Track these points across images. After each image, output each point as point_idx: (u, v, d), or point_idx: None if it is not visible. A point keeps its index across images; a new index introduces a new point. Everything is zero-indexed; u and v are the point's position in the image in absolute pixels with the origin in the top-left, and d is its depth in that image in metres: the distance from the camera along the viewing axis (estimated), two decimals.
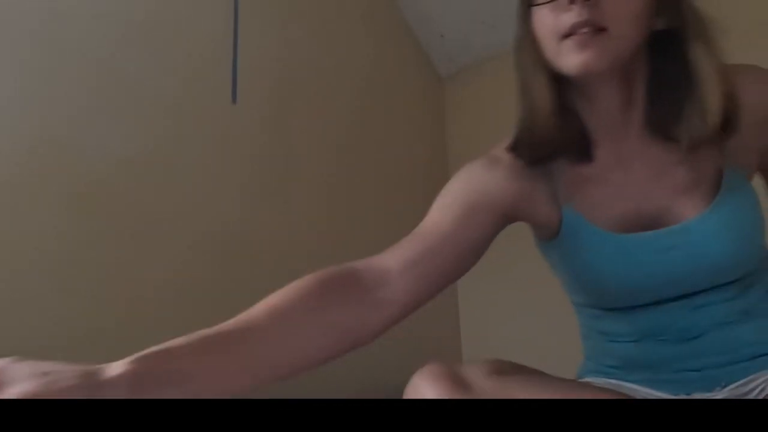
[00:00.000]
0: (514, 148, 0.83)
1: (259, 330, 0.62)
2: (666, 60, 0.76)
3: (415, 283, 0.75)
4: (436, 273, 0.77)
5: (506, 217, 0.85)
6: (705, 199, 0.78)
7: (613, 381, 0.85)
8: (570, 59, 0.73)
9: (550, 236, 0.86)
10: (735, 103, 0.74)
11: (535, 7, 0.77)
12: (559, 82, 0.79)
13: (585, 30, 0.71)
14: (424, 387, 0.65)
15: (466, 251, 0.80)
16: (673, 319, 0.80)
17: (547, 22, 0.75)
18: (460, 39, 2.30)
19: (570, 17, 0.72)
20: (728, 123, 0.74)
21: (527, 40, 0.80)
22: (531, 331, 2.09)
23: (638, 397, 0.82)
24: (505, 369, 0.69)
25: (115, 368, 0.52)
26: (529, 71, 0.80)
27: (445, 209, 0.82)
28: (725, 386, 0.79)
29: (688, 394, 0.80)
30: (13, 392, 0.47)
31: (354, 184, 2.05)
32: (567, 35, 0.73)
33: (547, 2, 0.75)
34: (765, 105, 0.79)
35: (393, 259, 0.75)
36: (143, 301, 1.48)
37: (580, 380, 0.88)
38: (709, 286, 0.78)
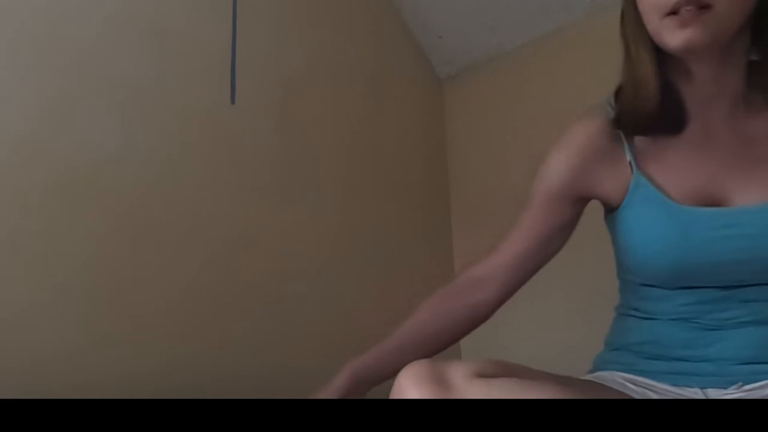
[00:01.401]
0: (618, 120, 0.86)
1: (418, 340, 0.98)
2: (764, 36, 0.78)
3: (513, 281, 0.99)
4: (531, 269, 0.99)
5: (583, 199, 0.94)
6: None
7: (627, 375, 0.85)
8: (672, 37, 0.75)
9: (616, 203, 0.88)
10: None
11: None
12: (659, 55, 0.81)
13: (689, 8, 0.72)
14: (406, 388, 0.65)
15: (556, 240, 0.97)
16: (714, 307, 0.81)
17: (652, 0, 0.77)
18: (459, 41, 2.30)
19: None
20: None
21: (632, 15, 0.82)
22: (531, 326, 2.09)
23: (650, 391, 0.82)
24: (493, 370, 0.68)
25: (339, 377, 0.93)
26: (634, 46, 0.82)
27: (536, 201, 0.96)
28: (742, 386, 0.79)
29: (702, 388, 0.81)
30: None
31: (353, 186, 2.05)
32: (670, 13, 0.74)
33: None
34: None
35: (498, 265, 0.98)
36: (145, 304, 1.48)
37: (584, 378, 0.88)
38: (759, 281, 0.79)
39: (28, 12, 1.40)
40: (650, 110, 0.81)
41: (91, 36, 1.50)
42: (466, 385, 0.65)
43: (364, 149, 2.10)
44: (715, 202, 0.80)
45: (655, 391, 0.83)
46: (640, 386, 0.83)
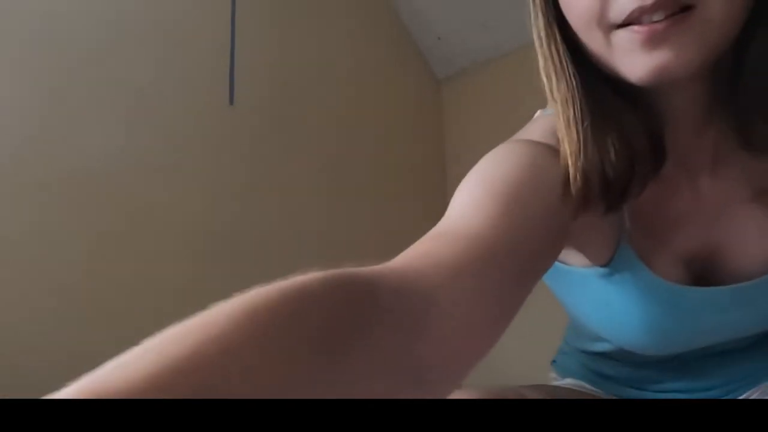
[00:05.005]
0: (584, 203, 0.51)
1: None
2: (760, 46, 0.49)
3: (478, 308, 0.42)
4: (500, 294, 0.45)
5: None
6: None
7: (595, 390, 0.80)
8: (635, 62, 0.45)
9: (596, 264, 0.61)
10: None
11: None
12: (611, 82, 0.51)
13: (659, 15, 0.43)
14: None
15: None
16: (697, 357, 0.67)
17: (584, 1, 0.46)
18: (457, 41, 2.31)
19: None
20: None
21: (553, 34, 0.51)
22: (525, 328, 2.10)
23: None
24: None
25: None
26: (559, 83, 0.51)
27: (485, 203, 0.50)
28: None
29: None
30: None
31: (351, 186, 2.06)
32: (624, 24, 0.45)
33: None
34: None
35: (437, 268, 0.40)
36: (140, 300, 1.49)
37: (558, 386, 0.83)
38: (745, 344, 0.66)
39: (28, 15, 1.41)
40: (619, 182, 0.51)
41: (91, 38, 1.51)
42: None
43: (361, 149, 2.11)
44: (711, 271, 0.60)
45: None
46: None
